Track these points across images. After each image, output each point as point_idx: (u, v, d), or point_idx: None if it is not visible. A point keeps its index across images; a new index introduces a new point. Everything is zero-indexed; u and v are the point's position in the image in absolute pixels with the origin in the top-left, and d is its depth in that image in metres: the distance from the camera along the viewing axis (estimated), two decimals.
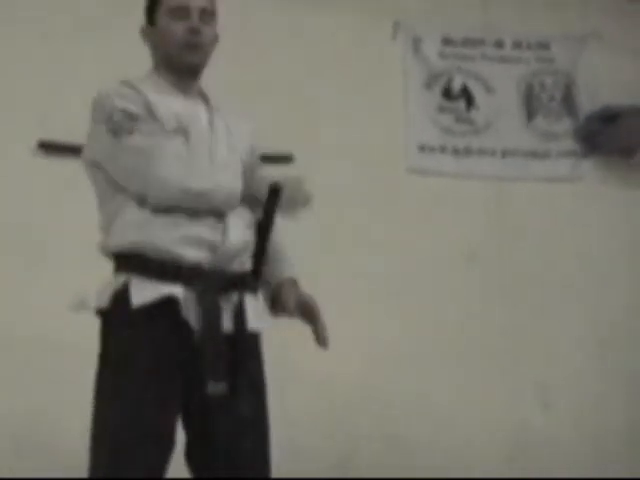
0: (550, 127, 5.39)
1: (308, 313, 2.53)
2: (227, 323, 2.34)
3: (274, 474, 2.42)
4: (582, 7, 5.56)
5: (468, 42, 5.36)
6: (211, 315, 2.30)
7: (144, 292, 2.29)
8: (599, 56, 5.50)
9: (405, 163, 5.08)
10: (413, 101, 5.21)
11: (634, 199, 5.41)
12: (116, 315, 2.34)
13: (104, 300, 2.34)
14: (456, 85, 5.30)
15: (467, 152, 5.23)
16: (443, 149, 5.19)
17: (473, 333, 4.93)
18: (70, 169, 4.30)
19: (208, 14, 2.49)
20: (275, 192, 2.42)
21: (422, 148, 5.16)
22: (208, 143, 2.40)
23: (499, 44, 5.42)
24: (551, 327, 5.11)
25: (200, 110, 2.48)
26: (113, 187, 2.39)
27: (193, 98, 2.50)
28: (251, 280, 2.44)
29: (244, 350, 2.37)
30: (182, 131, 2.37)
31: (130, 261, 2.34)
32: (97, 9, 4.63)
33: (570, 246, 5.24)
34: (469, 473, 4.67)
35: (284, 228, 2.62)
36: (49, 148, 4.41)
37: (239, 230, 2.39)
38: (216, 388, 2.26)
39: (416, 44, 5.27)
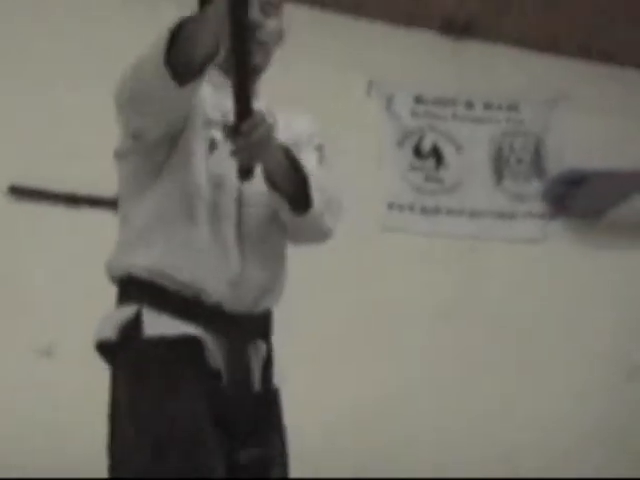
0: (518, 188, 5.44)
1: None
2: (256, 381, 2.12)
3: None
4: (552, 69, 5.66)
5: (440, 101, 5.41)
6: (244, 378, 2.09)
7: (160, 325, 2.04)
8: (568, 119, 5.58)
9: (376, 220, 5.09)
10: (385, 158, 5.24)
11: (599, 262, 5.46)
12: (126, 347, 2.06)
13: (110, 333, 2.08)
14: (427, 144, 5.34)
15: (436, 211, 5.26)
16: (412, 207, 5.22)
17: (442, 390, 4.92)
18: (40, 214, 4.37)
19: (271, 6, 2.25)
20: None
21: (392, 206, 5.18)
22: None
23: (470, 105, 5.47)
24: (517, 384, 5.11)
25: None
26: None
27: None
28: (271, 316, 2.22)
29: (273, 414, 2.18)
30: (219, 125, 2.15)
31: (140, 290, 2.08)
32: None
33: (537, 306, 5.27)
34: None
35: None
36: (20, 192, 4.37)
37: (262, 265, 2.16)
38: (246, 458, 2.07)
39: (389, 102, 5.31)
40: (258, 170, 2.05)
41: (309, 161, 2.22)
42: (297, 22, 4.91)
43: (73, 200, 4.43)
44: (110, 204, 4.42)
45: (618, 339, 5.40)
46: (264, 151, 1.99)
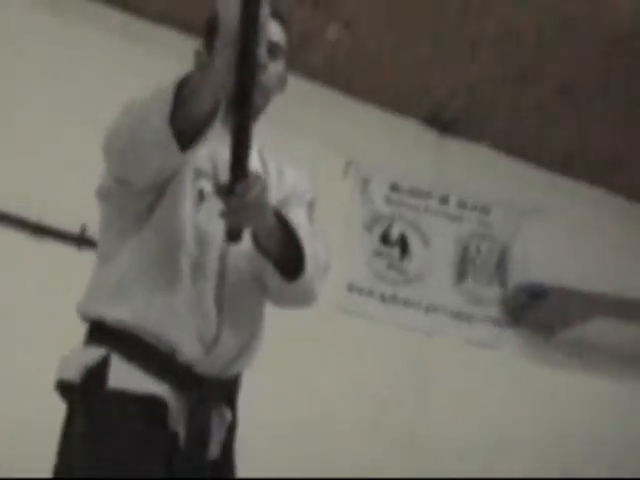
0: (478, 291, 5.43)
1: None
2: (215, 449, 2.05)
3: None
4: (529, 180, 5.71)
5: (415, 192, 5.41)
6: (200, 445, 1.99)
7: (126, 379, 1.95)
8: (536, 231, 5.62)
9: (334, 300, 5.02)
10: (352, 240, 5.21)
11: (547, 377, 5.44)
12: (88, 396, 1.97)
13: (73, 374, 1.99)
14: (395, 232, 5.32)
15: (393, 300, 5.21)
16: (371, 293, 5.17)
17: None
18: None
19: (278, 48, 2.21)
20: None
21: (351, 288, 5.13)
22: None
23: (444, 200, 5.48)
24: None
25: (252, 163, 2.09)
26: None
27: None
28: (239, 382, 2.16)
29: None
30: (209, 175, 2.10)
31: (112, 335, 2.00)
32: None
33: (481, 409, 5.22)
34: None
35: None
36: None
37: (239, 329, 2.10)
38: None
39: (365, 185, 5.30)
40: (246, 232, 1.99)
41: (300, 218, 2.18)
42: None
43: (38, 229, 4.34)
44: (74, 240, 4.39)
45: (552, 451, 5.35)
46: (256, 215, 1.94)
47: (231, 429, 2.11)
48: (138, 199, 2.08)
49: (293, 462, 4.53)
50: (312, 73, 5.16)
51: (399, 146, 5.42)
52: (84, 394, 1.97)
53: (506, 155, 5.69)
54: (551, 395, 5.40)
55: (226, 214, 1.89)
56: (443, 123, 5.53)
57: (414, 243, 5.35)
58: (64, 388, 2.04)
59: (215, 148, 2.11)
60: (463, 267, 5.43)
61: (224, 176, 1.95)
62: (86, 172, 4.37)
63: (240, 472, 2.21)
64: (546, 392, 5.40)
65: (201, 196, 2.10)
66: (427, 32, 4.88)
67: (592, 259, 5.65)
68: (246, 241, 2.02)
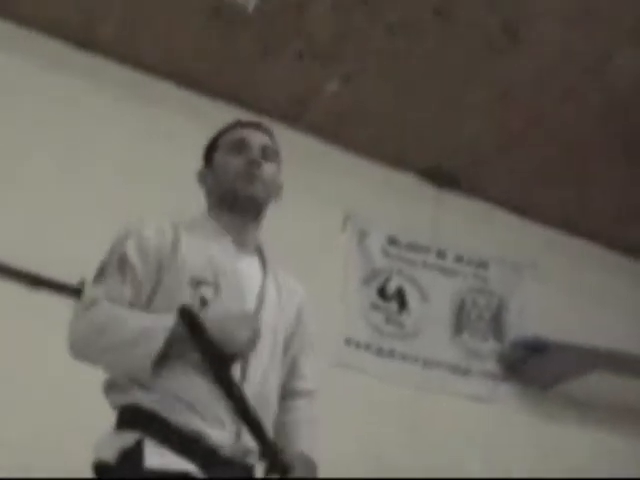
0: (475, 345, 5.44)
1: None
2: None
3: None
4: (527, 235, 5.77)
5: (413, 246, 5.44)
6: None
7: (160, 459, 2.04)
8: (533, 285, 5.66)
9: (329, 353, 5.02)
10: (349, 293, 5.22)
11: (544, 432, 5.43)
12: (123, 475, 2.07)
13: (109, 455, 2.09)
14: (392, 286, 5.34)
15: (390, 355, 5.21)
16: (368, 347, 5.17)
17: None
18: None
19: (270, 152, 2.41)
20: (192, 326, 2.09)
21: (348, 342, 5.13)
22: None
23: (442, 254, 5.51)
24: None
25: (252, 267, 2.33)
26: None
27: (249, 251, 2.36)
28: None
29: None
30: (211, 285, 2.21)
31: (145, 419, 2.11)
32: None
33: (478, 464, 5.18)
34: None
35: None
36: None
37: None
38: None
39: (362, 237, 5.33)
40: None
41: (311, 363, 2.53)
42: (280, 144, 5.02)
43: (36, 281, 4.35)
44: (72, 291, 4.39)
45: None
46: None
47: None
48: None
49: None
50: (311, 128, 5.22)
51: (397, 200, 5.47)
52: (121, 473, 2.06)
53: (504, 211, 5.74)
54: (548, 449, 5.38)
55: None
56: (442, 178, 5.58)
57: (412, 297, 5.37)
58: (101, 468, 2.12)
59: (212, 252, 2.26)
60: (460, 321, 5.45)
61: (225, 282, 2.20)
62: (85, 224, 4.48)
63: None
64: (543, 446, 5.38)
65: (203, 303, 2.19)
66: (428, 88, 4.95)
67: (589, 314, 5.67)
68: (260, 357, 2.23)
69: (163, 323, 2.07)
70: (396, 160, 5.47)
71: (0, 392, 4.05)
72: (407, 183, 5.56)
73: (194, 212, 2.52)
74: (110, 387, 2.22)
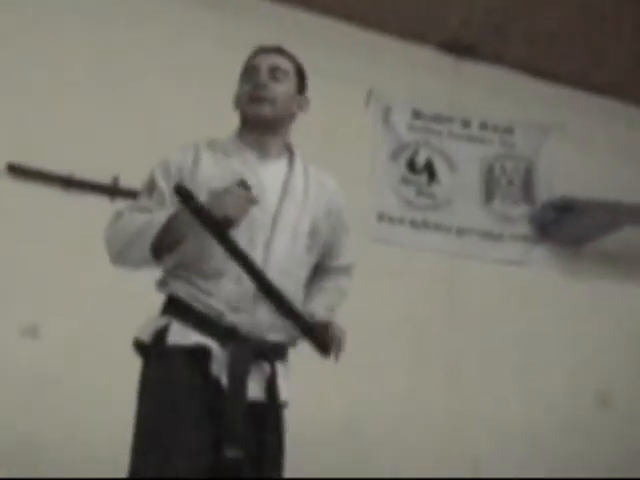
0: (506, 210, 5.50)
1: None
2: (257, 391, 2.39)
3: None
4: (548, 97, 5.75)
5: (437, 118, 5.47)
6: (238, 382, 2.33)
7: (181, 335, 2.37)
8: (560, 147, 5.67)
9: (363, 230, 5.12)
10: (378, 170, 5.28)
11: (580, 289, 5.53)
12: (154, 352, 2.41)
13: (146, 335, 2.44)
14: (421, 159, 5.39)
15: (424, 226, 5.30)
16: (401, 220, 5.26)
17: (414, 405, 4.96)
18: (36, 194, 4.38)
19: (281, 72, 2.60)
20: (183, 196, 2.35)
21: (381, 217, 5.22)
22: (271, 214, 2.47)
23: (466, 123, 5.53)
24: (489, 404, 5.15)
25: (276, 171, 2.54)
26: None
27: (272, 157, 2.56)
28: (284, 349, 2.52)
29: (271, 421, 2.42)
30: None
31: (175, 306, 2.44)
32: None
33: (514, 327, 5.32)
34: None
35: None
36: (18, 171, 4.36)
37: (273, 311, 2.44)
38: (232, 453, 2.27)
39: (386, 114, 5.36)
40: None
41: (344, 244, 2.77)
42: (298, 28, 5.03)
43: (69, 182, 4.44)
44: (105, 190, 4.49)
45: (590, 362, 5.46)
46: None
47: (272, 382, 2.43)
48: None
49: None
50: (327, 9, 5.20)
51: (418, 74, 5.46)
52: (151, 350, 2.42)
53: (523, 75, 5.72)
54: (584, 306, 5.48)
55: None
56: (460, 48, 5.56)
57: (440, 168, 5.42)
58: (138, 345, 2.47)
59: (233, 165, 2.51)
60: (489, 187, 5.51)
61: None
62: (117, 125, 4.55)
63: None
64: (579, 303, 5.48)
65: None
66: None
67: (615, 170, 5.70)
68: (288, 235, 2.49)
69: (164, 213, 2.39)
70: (413, 34, 5.45)
71: (40, 294, 4.22)
72: (426, 56, 5.55)
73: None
74: (159, 283, 2.52)
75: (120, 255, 2.45)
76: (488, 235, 5.42)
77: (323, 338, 2.50)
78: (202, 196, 2.37)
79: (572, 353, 5.41)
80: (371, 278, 5.01)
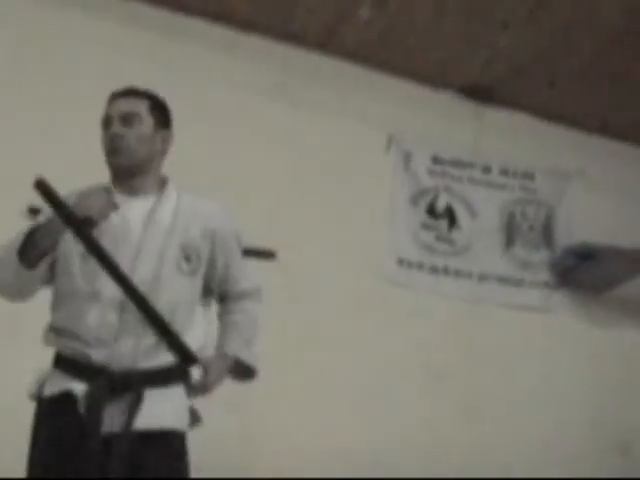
0: (527, 256, 5.49)
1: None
2: (117, 424, 2.39)
3: None
4: (569, 143, 5.75)
5: (457, 163, 5.47)
6: (91, 418, 2.37)
7: (54, 385, 2.46)
8: (581, 193, 5.67)
9: (383, 274, 5.13)
10: (398, 214, 5.28)
11: (600, 335, 5.51)
12: (36, 405, 2.51)
13: (32, 386, 2.53)
14: (441, 204, 5.39)
15: (444, 272, 5.29)
16: (421, 266, 5.25)
17: (438, 448, 4.93)
18: None
19: (132, 116, 2.60)
20: (44, 191, 2.40)
21: (401, 262, 5.22)
22: (134, 245, 2.50)
23: (487, 169, 5.54)
24: (511, 445, 5.12)
25: (141, 207, 2.56)
26: None
27: (140, 195, 2.59)
28: (161, 375, 2.49)
29: (144, 450, 2.40)
30: (98, 234, 2.48)
31: (55, 357, 2.53)
32: None
33: (534, 373, 5.31)
34: None
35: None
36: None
37: (137, 333, 2.46)
38: None
39: (407, 159, 5.37)
40: None
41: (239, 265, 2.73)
42: (318, 72, 5.07)
43: None
44: None
45: (611, 410, 5.42)
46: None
47: (133, 409, 2.42)
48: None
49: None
50: (347, 53, 5.23)
51: (439, 119, 5.48)
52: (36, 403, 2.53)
53: (545, 121, 5.73)
54: (605, 353, 5.45)
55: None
56: (481, 93, 5.58)
57: (461, 213, 5.42)
58: (32, 400, 2.55)
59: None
60: (510, 234, 5.50)
61: (114, 237, 2.50)
62: None
63: None
64: (600, 350, 5.45)
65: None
66: (459, 3, 4.93)
67: (637, 216, 5.68)
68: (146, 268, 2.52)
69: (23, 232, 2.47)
70: (434, 80, 5.47)
71: None
72: (447, 101, 5.56)
73: None
74: (43, 340, 2.57)
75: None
76: (508, 281, 5.41)
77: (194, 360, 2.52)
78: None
79: (593, 400, 5.38)
80: (390, 319, 5.04)
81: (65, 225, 2.39)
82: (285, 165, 4.95)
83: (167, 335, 2.47)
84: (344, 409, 4.75)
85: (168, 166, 2.69)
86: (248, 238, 4.54)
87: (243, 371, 2.65)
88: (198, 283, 2.60)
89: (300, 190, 4.97)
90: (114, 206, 2.46)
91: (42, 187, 2.38)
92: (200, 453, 2.61)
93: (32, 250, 2.45)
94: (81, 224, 2.38)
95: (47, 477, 2.38)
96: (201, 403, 2.57)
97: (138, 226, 2.52)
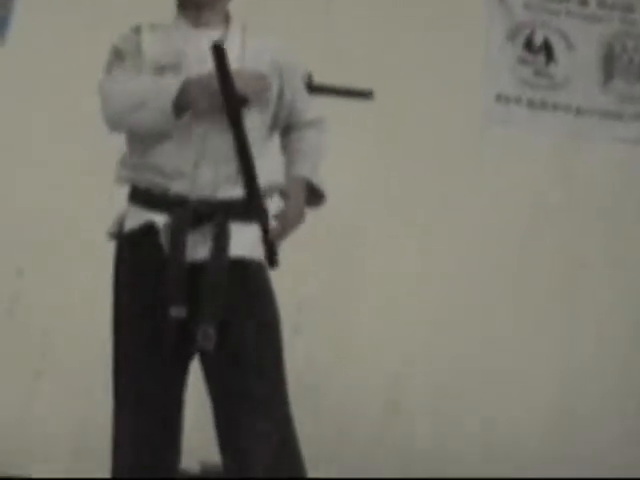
0: (627, 89, 5.38)
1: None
2: (202, 253, 2.45)
3: None
4: None
5: None
6: (175, 245, 2.43)
7: (135, 219, 2.51)
8: None
9: (480, 111, 5.11)
10: (494, 50, 5.22)
11: None
12: (118, 242, 2.59)
13: (112, 226, 2.60)
14: (538, 38, 5.30)
15: (542, 106, 5.24)
16: (518, 100, 5.21)
17: (533, 282, 5.00)
18: None
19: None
20: (218, 53, 2.39)
21: (499, 97, 5.18)
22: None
23: (584, 2, 5.40)
24: (607, 279, 5.15)
25: (211, 37, 2.50)
26: None
27: (209, 28, 2.57)
28: (240, 207, 2.51)
29: (232, 279, 2.44)
30: (173, 67, 2.49)
31: (131, 192, 2.57)
32: None
33: (635, 208, 5.26)
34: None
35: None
36: None
37: (216, 162, 2.49)
38: (175, 312, 2.39)
39: None
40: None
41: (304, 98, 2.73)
42: None
43: None
44: None
45: None
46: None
47: (220, 239, 2.46)
48: None
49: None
50: None
51: None
52: (117, 239, 2.60)
53: None
54: None
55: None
56: None
57: (558, 48, 5.32)
58: (110, 237, 2.62)
59: (172, 40, 2.55)
60: (609, 66, 5.38)
61: (189, 69, 2.46)
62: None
63: None
64: None
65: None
66: None
67: None
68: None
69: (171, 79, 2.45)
70: None
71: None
72: None
73: None
74: (116, 179, 2.60)
75: (122, 116, 2.49)
76: (607, 114, 5.32)
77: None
78: (147, 73, 2.49)
79: None
80: (488, 159, 5.06)
81: (222, 95, 2.38)
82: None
83: (247, 168, 2.48)
84: (439, 258, 4.83)
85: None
86: (345, 79, 4.65)
87: (313, 196, 2.66)
88: (267, 118, 2.63)
89: (395, 29, 4.93)
90: (269, 89, 2.50)
91: (218, 52, 2.38)
92: None
93: (184, 102, 2.40)
94: (236, 102, 2.40)
95: (131, 311, 2.50)
96: None
97: (209, 57, 2.49)
